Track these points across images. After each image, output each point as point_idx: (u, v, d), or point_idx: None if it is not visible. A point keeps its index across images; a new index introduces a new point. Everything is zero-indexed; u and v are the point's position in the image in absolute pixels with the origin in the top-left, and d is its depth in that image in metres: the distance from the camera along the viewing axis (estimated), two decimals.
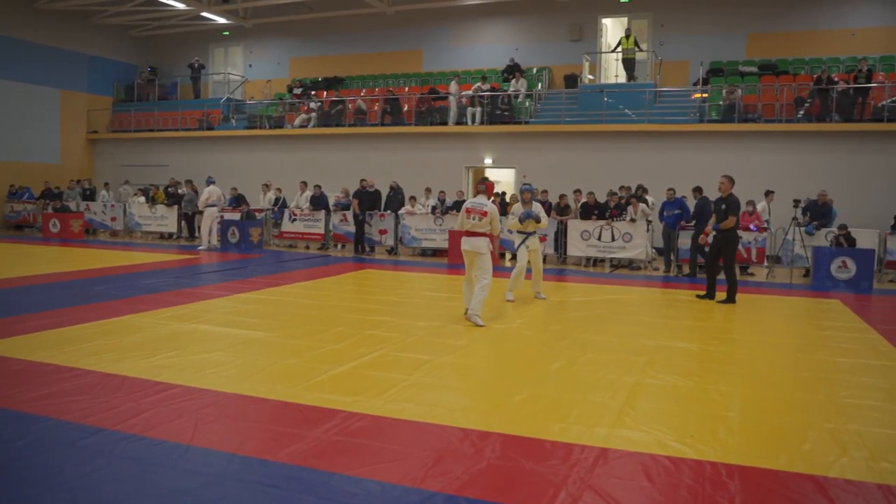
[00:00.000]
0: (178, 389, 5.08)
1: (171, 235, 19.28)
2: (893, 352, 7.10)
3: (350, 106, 21.45)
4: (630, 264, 15.27)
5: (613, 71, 21.44)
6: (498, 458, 3.94)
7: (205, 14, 22.66)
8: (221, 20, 23.44)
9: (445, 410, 4.74)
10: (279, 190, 18.70)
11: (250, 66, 25.09)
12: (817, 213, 14.18)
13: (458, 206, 16.73)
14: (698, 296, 10.58)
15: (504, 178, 23.36)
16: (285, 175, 20.30)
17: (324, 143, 21.31)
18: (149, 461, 3.78)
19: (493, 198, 9.05)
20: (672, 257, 14.54)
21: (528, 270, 10.15)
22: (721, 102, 17.91)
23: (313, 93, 22.59)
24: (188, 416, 4.48)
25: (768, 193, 14.75)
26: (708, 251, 11.06)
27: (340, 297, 10.09)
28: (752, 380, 5.84)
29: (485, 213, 8.07)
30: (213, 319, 7.86)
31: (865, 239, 13.51)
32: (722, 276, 10.38)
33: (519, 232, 9.99)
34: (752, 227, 14.14)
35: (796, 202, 13.40)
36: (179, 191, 19.00)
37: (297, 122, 21.72)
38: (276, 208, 18.26)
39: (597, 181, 16.83)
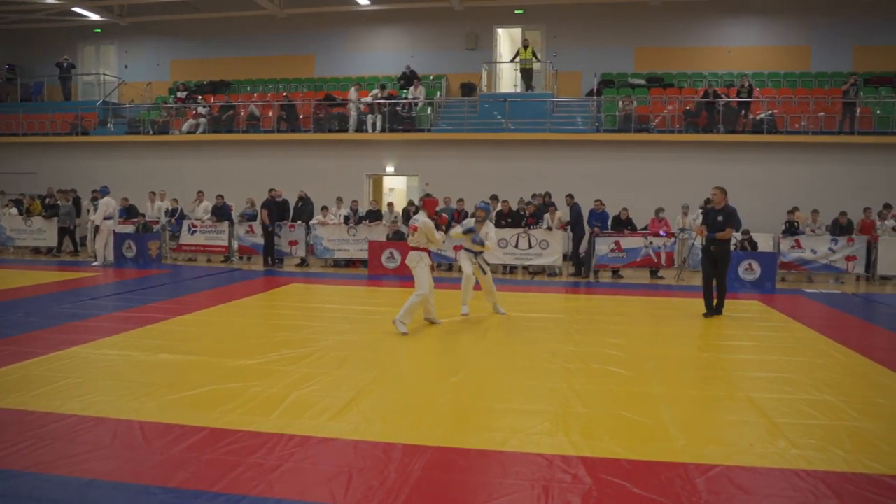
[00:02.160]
0: (239, 435, 4.58)
1: (49, 250, 17.59)
2: (836, 348, 7.72)
3: (242, 112, 20.56)
4: (544, 271, 15.66)
5: (508, 80, 21.98)
6: (628, 486, 3.89)
7: (76, 9, 20.95)
8: (94, 16, 21.76)
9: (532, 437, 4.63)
10: (175, 201, 17.58)
11: (126, 66, 23.42)
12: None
13: (371, 215, 16.47)
14: (705, 314, 9.86)
15: (399, 186, 23.39)
16: (176, 184, 19.11)
17: (216, 150, 20.26)
18: None
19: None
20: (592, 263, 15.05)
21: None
22: (616, 113, 18.75)
23: (200, 97, 21.45)
24: (296, 469, 4.08)
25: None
26: (702, 266, 10.36)
27: (292, 315, 9.52)
28: (755, 384, 6.11)
29: (415, 229, 8.47)
30: (175, 347, 7.22)
31: (761, 242, 14.61)
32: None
33: (466, 249, 9.76)
34: (661, 232, 14.90)
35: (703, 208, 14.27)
36: (59, 202, 17.42)
37: (184, 127, 20.51)
38: (173, 220, 17.14)
39: (501, 189, 17.06)
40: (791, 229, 14.82)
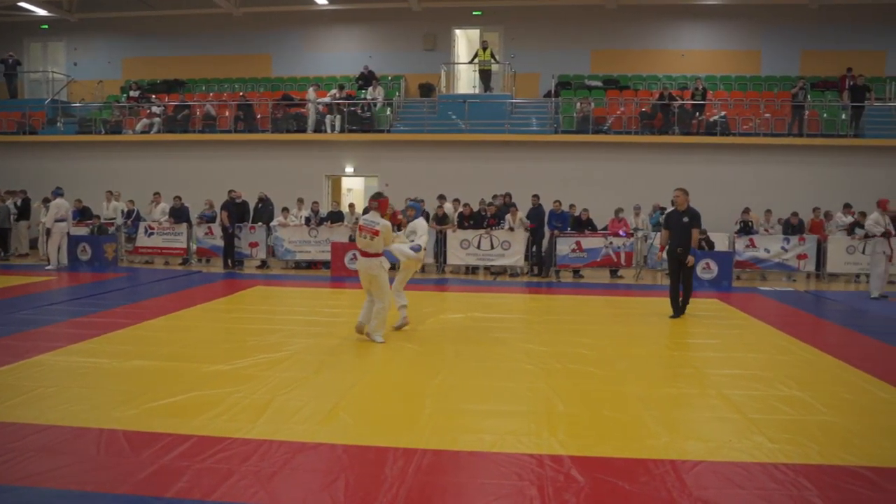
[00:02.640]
0: (228, 443, 4.55)
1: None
2: (797, 344, 8.05)
3: (198, 111, 20.24)
4: (506, 271, 15.81)
5: (465, 82, 22.13)
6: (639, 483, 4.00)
7: (22, 4, 20.34)
8: (41, 12, 21.16)
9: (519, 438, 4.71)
10: (132, 202, 17.20)
11: (75, 64, 22.78)
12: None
13: (333, 216, 16.41)
14: (672, 316, 9.91)
15: (357, 187, 23.35)
16: (131, 185, 18.70)
17: (171, 151, 19.86)
18: None
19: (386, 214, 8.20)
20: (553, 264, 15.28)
21: None
22: (574, 115, 19.03)
23: (153, 96, 21.03)
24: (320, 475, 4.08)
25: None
26: (668, 268, 10.39)
27: (261, 319, 9.41)
28: (725, 381, 6.31)
29: (376, 232, 7.73)
30: (148, 353, 7.08)
31: (717, 242, 15.02)
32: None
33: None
34: (620, 232, 15.19)
35: (662, 209, 14.63)
36: (8, 203, 16.90)
37: (138, 127, 20.07)
38: (129, 221, 16.78)
39: (461, 190, 17.21)
40: (746, 229, 15.26)
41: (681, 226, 9.83)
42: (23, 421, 4.94)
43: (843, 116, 17.78)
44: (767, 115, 18.13)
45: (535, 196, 15.76)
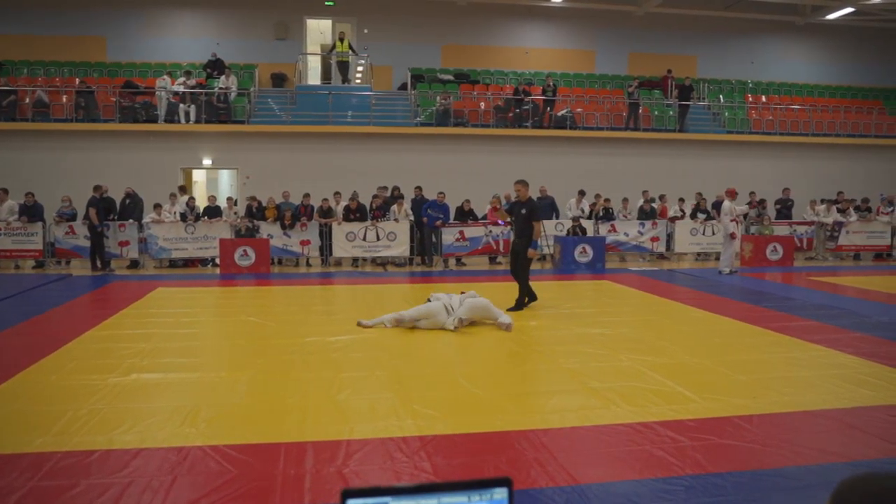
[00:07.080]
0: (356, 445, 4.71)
1: None
2: (716, 317, 9.41)
3: (27, 98, 18.32)
4: (393, 262, 16.25)
5: (315, 72, 22.12)
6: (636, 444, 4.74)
7: None
8: None
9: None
10: None
11: None
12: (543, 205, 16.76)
13: (209, 212, 15.82)
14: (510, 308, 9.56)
15: (200, 179, 22.47)
16: None
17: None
18: None
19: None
20: (435, 253, 15.95)
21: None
22: (436, 108, 19.75)
23: None
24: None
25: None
26: (510, 259, 10.29)
27: (218, 321, 9.19)
28: (698, 350, 7.34)
29: None
30: (137, 366, 6.74)
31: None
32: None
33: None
34: (500, 222, 16.18)
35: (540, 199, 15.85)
36: None
37: None
38: None
39: (329, 182, 17.27)
40: (607, 215, 16.93)
41: (521, 217, 9.59)
42: (86, 448, 4.70)
43: (671, 113, 20.19)
44: (593, 111, 20.08)
45: (418, 188, 16.34)
